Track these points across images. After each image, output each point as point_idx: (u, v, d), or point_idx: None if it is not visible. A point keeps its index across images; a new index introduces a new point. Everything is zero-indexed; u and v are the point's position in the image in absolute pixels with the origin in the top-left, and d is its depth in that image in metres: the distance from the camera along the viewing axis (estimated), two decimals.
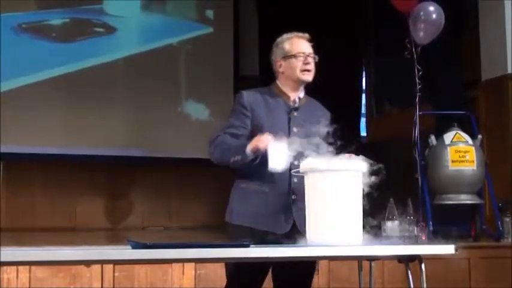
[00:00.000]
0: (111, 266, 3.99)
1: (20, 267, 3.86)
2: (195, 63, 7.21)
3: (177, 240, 2.58)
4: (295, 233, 2.85)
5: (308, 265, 3.03)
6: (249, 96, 3.02)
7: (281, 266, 2.87)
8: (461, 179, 4.92)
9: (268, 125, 2.95)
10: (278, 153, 2.62)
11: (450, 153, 4.93)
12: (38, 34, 6.65)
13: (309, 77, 3.04)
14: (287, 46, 3.04)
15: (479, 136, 5.08)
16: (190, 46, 7.28)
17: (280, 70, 3.06)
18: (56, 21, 6.78)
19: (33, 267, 3.88)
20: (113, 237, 6.26)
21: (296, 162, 2.84)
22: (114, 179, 6.93)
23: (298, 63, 3.01)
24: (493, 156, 5.37)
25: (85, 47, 6.82)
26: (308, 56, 3.03)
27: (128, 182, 7.00)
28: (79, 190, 6.72)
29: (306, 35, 3.09)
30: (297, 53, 3.02)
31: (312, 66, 3.04)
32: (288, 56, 3.02)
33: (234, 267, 2.93)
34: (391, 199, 2.91)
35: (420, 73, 5.00)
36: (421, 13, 5.00)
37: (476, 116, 5.53)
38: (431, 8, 5.02)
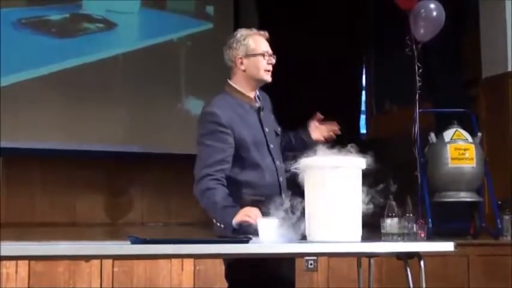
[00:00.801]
0: (110, 261, 3.99)
1: (20, 262, 3.86)
2: (195, 59, 7.20)
3: (176, 236, 2.59)
4: None
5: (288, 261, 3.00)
6: (223, 113, 2.87)
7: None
8: (460, 176, 4.91)
9: (250, 138, 2.90)
10: (268, 230, 2.57)
11: (450, 151, 4.93)
12: (38, 29, 6.65)
13: (269, 77, 2.97)
14: (252, 44, 2.93)
15: (479, 134, 5.08)
16: (190, 42, 7.28)
17: (242, 68, 2.95)
18: (56, 16, 6.77)
19: (32, 262, 3.89)
20: (112, 233, 6.27)
21: (278, 162, 2.90)
22: (113, 175, 6.93)
23: (262, 63, 2.93)
24: (492, 154, 5.37)
25: (85, 42, 6.82)
26: (271, 56, 2.97)
27: (128, 178, 7.01)
28: (79, 186, 6.72)
29: (266, 34, 3.00)
30: (263, 51, 2.93)
31: (271, 67, 2.98)
32: (252, 55, 2.93)
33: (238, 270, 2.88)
34: (390, 196, 2.91)
35: (420, 71, 5.00)
36: (422, 10, 5.00)
37: (476, 113, 5.53)
38: (432, 6, 5.02)
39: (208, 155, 2.85)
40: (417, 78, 4.99)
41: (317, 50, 6.99)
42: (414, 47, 4.98)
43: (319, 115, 3.00)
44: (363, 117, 8.25)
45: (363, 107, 8.23)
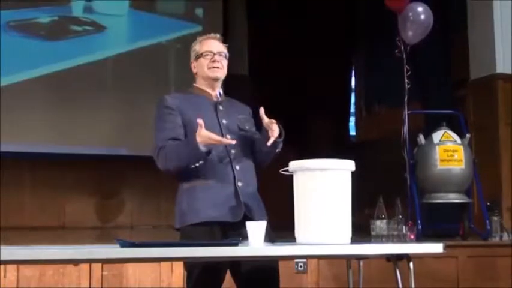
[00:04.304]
0: (100, 264, 3.98)
1: (8, 266, 3.84)
2: (185, 61, 7.16)
3: (166, 239, 2.58)
4: (249, 219, 2.86)
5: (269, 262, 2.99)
6: (172, 98, 3.09)
7: (239, 264, 2.89)
8: (449, 178, 4.93)
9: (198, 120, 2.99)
10: (257, 231, 2.59)
11: (439, 152, 4.94)
12: (26, 32, 6.62)
13: (217, 73, 3.14)
14: (197, 47, 3.18)
15: (468, 135, 5.10)
16: (179, 45, 7.27)
17: (194, 71, 3.20)
18: (45, 19, 6.74)
19: (21, 266, 3.87)
20: (102, 236, 6.24)
21: (234, 151, 2.99)
22: (103, 178, 6.90)
23: (206, 62, 3.12)
24: (481, 155, 5.40)
25: (74, 45, 6.78)
26: (216, 54, 3.13)
27: (117, 181, 6.97)
28: (68, 189, 6.69)
29: (218, 36, 3.20)
30: (204, 51, 3.13)
31: (221, 64, 3.14)
32: (198, 56, 3.16)
33: (192, 268, 2.93)
34: (380, 198, 2.92)
35: (409, 72, 5.02)
36: (410, 13, 5.03)
37: (464, 115, 5.55)
38: (420, 9, 5.04)
39: (161, 137, 3.03)
40: (406, 80, 5.02)
41: (306, 52, 7.00)
42: (403, 48, 5.00)
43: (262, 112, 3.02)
44: (352, 119, 8.27)
45: (352, 109, 8.26)
